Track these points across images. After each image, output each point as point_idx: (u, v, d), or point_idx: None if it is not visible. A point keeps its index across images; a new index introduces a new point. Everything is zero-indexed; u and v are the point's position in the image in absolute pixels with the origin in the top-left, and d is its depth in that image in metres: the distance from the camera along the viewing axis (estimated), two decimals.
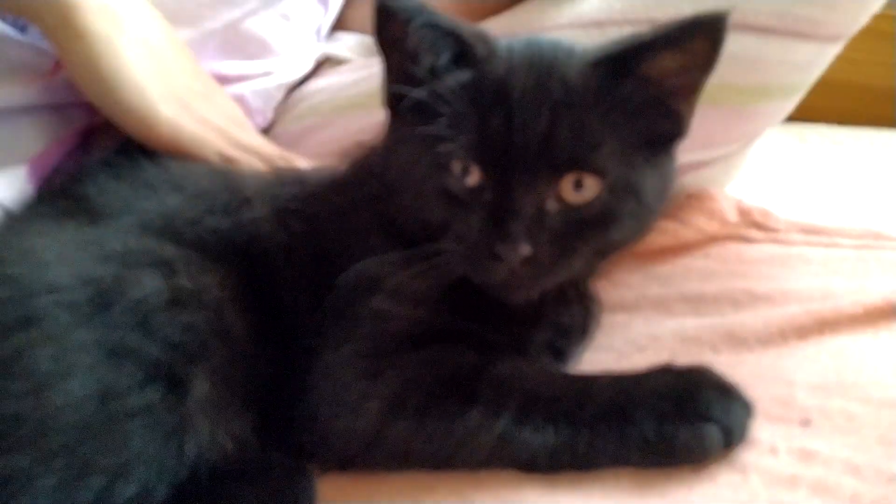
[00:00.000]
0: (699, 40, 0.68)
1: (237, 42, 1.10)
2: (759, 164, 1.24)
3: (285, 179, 0.86)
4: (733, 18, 0.67)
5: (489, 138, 0.67)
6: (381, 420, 0.68)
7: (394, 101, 0.74)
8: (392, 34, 0.71)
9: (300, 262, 0.77)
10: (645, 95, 0.70)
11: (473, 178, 0.69)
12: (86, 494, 0.60)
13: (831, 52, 0.99)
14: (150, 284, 0.68)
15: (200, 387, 0.66)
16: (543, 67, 0.69)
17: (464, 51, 0.71)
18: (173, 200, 0.79)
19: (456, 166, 0.69)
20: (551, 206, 0.68)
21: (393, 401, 0.69)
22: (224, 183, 0.83)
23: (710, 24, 0.68)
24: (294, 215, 0.80)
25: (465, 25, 0.72)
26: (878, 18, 0.99)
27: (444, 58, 0.70)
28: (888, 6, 1.00)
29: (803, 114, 1.14)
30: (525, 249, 0.66)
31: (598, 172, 0.68)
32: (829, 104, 1.64)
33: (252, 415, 0.71)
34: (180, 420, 0.64)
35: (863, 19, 0.97)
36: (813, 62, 0.99)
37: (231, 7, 1.08)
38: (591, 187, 0.68)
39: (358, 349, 0.72)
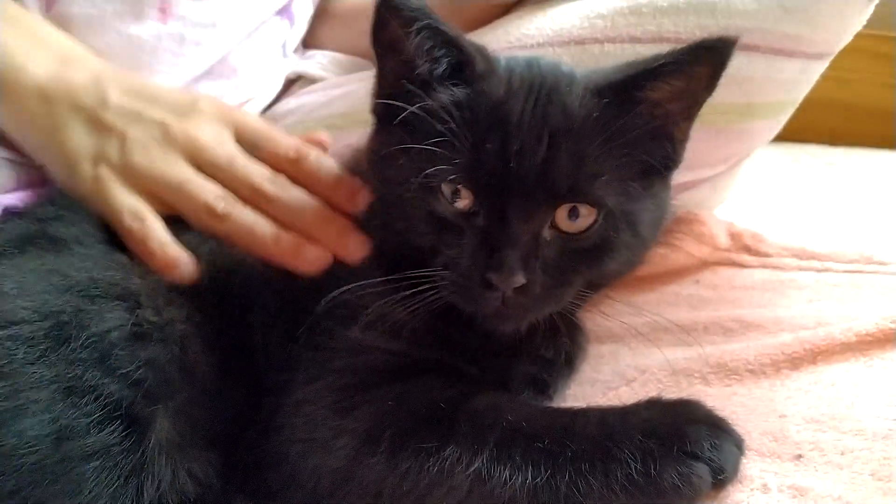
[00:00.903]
0: (703, 65, 0.66)
1: None
2: (751, 184, 1.22)
3: None
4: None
5: (483, 162, 0.65)
6: (353, 457, 0.65)
7: (383, 110, 0.71)
8: (391, 35, 0.68)
9: (276, 288, 0.74)
10: (645, 124, 0.68)
11: (464, 202, 0.67)
12: None
13: (817, 70, 0.97)
14: (111, 318, 0.66)
15: (161, 426, 0.64)
16: (544, 92, 0.67)
17: (461, 63, 0.68)
18: None
19: (446, 189, 0.67)
20: (546, 234, 0.66)
21: (366, 437, 0.65)
22: None
23: (716, 48, 0.65)
24: None
25: (467, 38, 0.70)
26: (875, 39, 0.98)
27: (442, 67, 0.68)
28: (885, 27, 0.99)
29: (796, 134, 1.12)
30: (519, 279, 0.64)
31: (596, 203, 0.66)
32: (822, 124, 1.64)
33: (216, 454, 0.68)
34: (139, 462, 0.62)
35: (846, 37, 0.96)
36: (798, 80, 0.97)
37: None
38: (587, 216, 0.66)
39: (331, 383, 0.69)
